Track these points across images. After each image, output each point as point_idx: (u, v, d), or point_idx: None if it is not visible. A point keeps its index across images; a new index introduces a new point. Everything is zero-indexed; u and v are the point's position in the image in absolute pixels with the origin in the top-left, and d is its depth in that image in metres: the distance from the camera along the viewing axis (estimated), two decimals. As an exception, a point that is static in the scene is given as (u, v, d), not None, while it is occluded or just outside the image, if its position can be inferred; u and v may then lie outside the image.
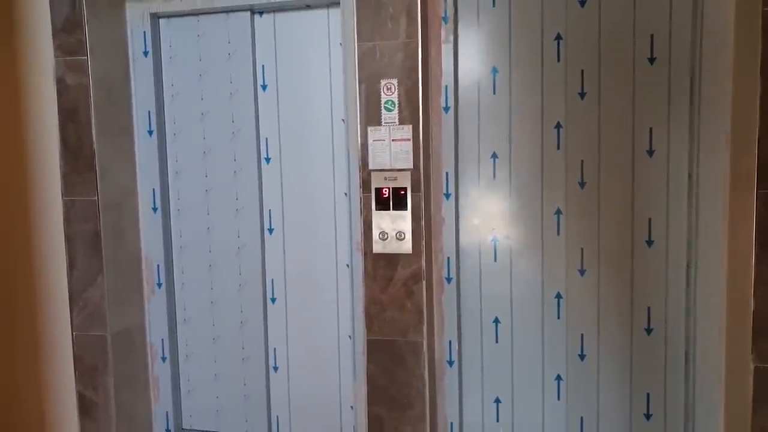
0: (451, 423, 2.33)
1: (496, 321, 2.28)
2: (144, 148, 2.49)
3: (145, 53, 2.45)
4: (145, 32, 2.44)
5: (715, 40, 1.99)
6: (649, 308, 2.15)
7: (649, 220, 2.12)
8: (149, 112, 2.47)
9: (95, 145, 2.32)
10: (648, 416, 2.19)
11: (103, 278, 2.36)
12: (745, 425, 1.97)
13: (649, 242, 2.13)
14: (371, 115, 2.14)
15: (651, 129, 2.09)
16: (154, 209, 2.51)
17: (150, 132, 2.48)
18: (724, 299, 2.04)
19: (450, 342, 2.30)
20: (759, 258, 1.90)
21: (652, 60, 2.07)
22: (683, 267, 2.11)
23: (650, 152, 2.10)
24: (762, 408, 1.92)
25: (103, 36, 2.36)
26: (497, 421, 2.32)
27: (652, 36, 2.06)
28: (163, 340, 2.57)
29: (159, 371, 2.59)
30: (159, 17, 2.45)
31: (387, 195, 2.14)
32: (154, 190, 2.50)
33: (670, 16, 2.04)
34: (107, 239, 2.37)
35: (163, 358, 2.58)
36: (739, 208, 1.97)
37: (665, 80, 2.07)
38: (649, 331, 2.16)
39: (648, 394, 2.18)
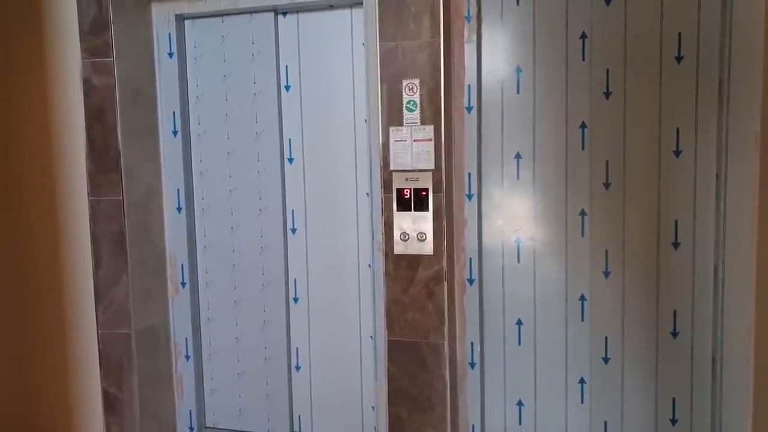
0: (473, 425, 2.32)
1: (519, 323, 2.26)
2: (169, 148, 2.52)
3: (171, 54, 2.48)
4: (170, 34, 2.46)
5: (744, 39, 1.95)
6: (675, 311, 2.12)
7: (676, 221, 2.09)
8: (174, 112, 2.50)
9: (120, 146, 2.35)
10: (674, 421, 2.15)
11: (128, 277, 2.39)
12: (774, 431, 1.93)
13: (676, 244, 2.09)
14: (393, 116, 2.14)
15: (678, 129, 2.06)
16: (179, 209, 2.54)
17: (175, 132, 2.51)
18: (752, 301, 1.99)
19: (472, 344, 2.29)
20: (789, 260, 1.86)
21: (679, 59, 2.03)
22: (710, 269, 2.07)
23: (677, 153, 2.07)
24: (792, 414, 1.88)
25: (128, 38, 2.39)
26: (520, 424, 2.30)
27: (679, 34, 2.03)
28: (187, 338, 2.59)
29: (183, 370, 2.62)
30: (184, 18, 2.48)
31: (408, 196, 2.14)
32: (178, 190, 2.53)
33: (699, 14, 2.01)
34: (132, 239, 2.40)
35: (187, 357, 2.60)
36: (769, 209, 1.93)
37: (693, 79, 2.03)
38: (675, 334, 2.12)
39: (674, 399, 2.14)
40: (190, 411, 2.62)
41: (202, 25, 2.47)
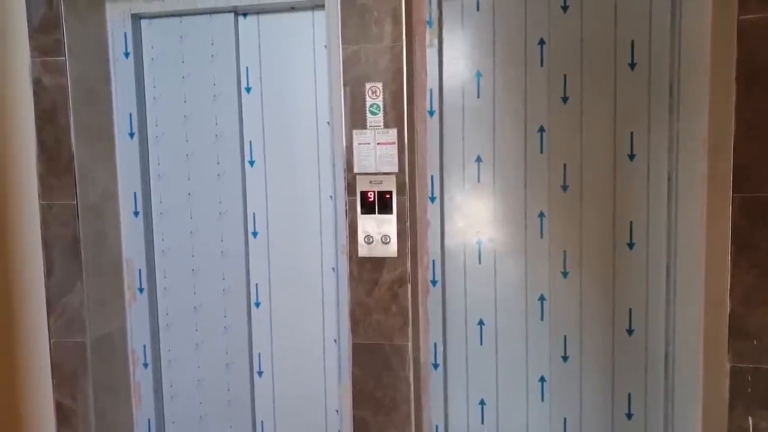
0: (437, 425, 2.34)
1: (481, 323, 2.30)
2: (125, 150, 2.45)
3: (126, 54, 2.41)
4: (125, 33, 2.40)
5: (692, 47, 2.04)
6: (630, 309, 2.19)
7: (630, 222, 2.16)
8: (130, 114, 2.43)
9: (74, 148, 2.28)
10: (629, 416, 2.23)
11: (83, 284, 2.32)
12: (722, 424, 2.01)
13: (630, 245, 2.17)
14: (356, 119, 2.14)
15: (632, 133, 2.13)
16: (136, 213, 2.47)
17: (131, 134, 2.44)
18: (701, 300, 2.08)
19: (435, 344, 2.31)
20: (735, 260, 1.92)
21: (632, 65, 2.11)
22: (663, 269, 2.15)
23: (631, 156, 2.14)
24: (738, 407, 1.96)
25: (82, 37, 2.32)
26: (482, 423, 2.33)
27: (632, 42, 2.10)
28: (145, 345, 2.53)
29: (141, 377, 2.55)
30: (140, 18, 2.42)
31: (372, 198, 2.14)
32: (135, 193, 2.46)
33: (650, 22, 2.08)
34: (87, 244, 2.32)
35: (145, 364, 2.54)
36: (716, 211, 2.00)
37: (645, 85, 2.11)
38: (630, 332, 2.20)
39: (629, 394, 2.22)
40: (149, 420, 2.56)
41: (160, 24, 2.42)
